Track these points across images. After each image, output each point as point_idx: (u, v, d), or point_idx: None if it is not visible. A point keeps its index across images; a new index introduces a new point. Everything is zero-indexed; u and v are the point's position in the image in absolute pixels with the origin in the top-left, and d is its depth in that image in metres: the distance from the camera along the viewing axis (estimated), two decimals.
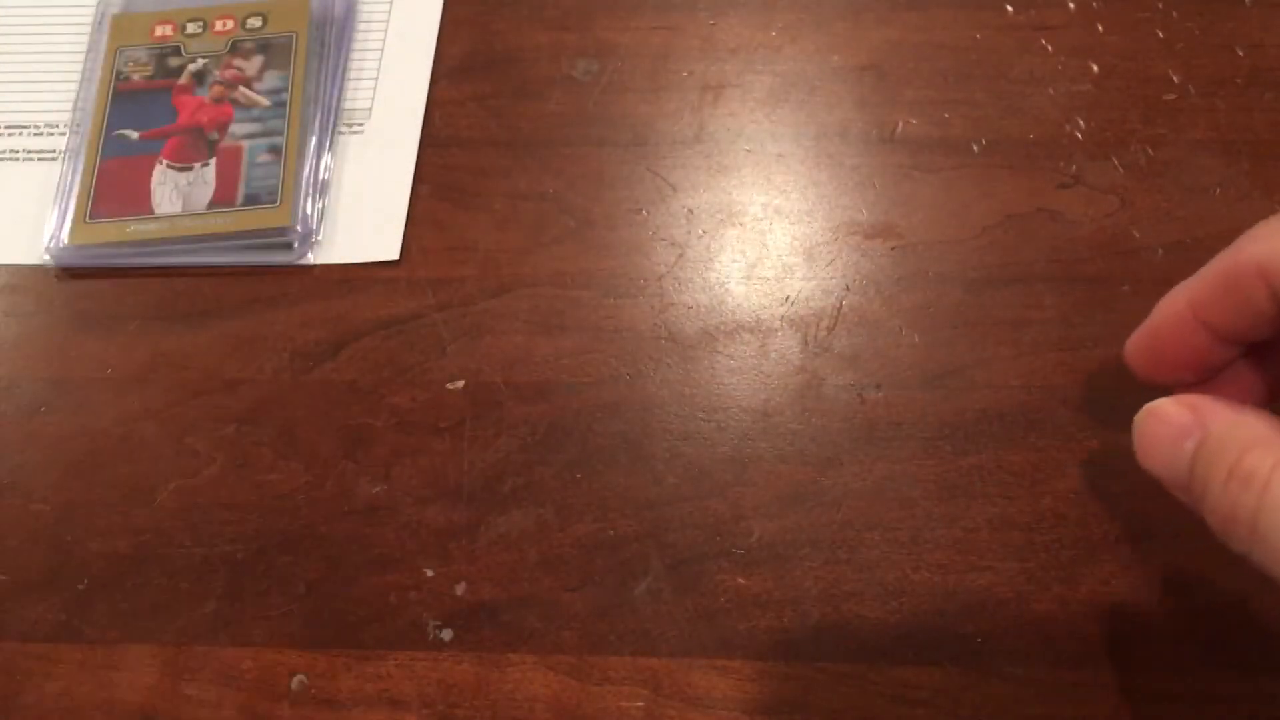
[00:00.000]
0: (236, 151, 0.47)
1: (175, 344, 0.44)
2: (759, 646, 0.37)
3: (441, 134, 0.48)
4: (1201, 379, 0.33)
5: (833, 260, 0.44)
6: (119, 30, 0.50)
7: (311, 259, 0.45)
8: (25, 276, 0.46)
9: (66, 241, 0.45)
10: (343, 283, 0.45)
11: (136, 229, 0.45)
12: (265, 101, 0.48)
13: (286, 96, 0.48)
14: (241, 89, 0.48)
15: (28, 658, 0.38)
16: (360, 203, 0.46)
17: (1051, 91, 0.47)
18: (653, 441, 0.41)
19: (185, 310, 0.45)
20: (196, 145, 0.47)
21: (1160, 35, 0.48)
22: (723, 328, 0.43)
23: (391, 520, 0.40)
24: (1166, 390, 0.32)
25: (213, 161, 0.47)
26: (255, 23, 0.50)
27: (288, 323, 0.44)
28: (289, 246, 0.45)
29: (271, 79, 0.48)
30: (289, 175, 0.46)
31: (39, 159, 0.48)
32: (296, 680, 0.37)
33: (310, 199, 0.46)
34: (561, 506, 0.40)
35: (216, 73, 0.49)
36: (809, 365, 0.42)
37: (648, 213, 0.46)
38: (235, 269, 0.45)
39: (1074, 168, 0.45)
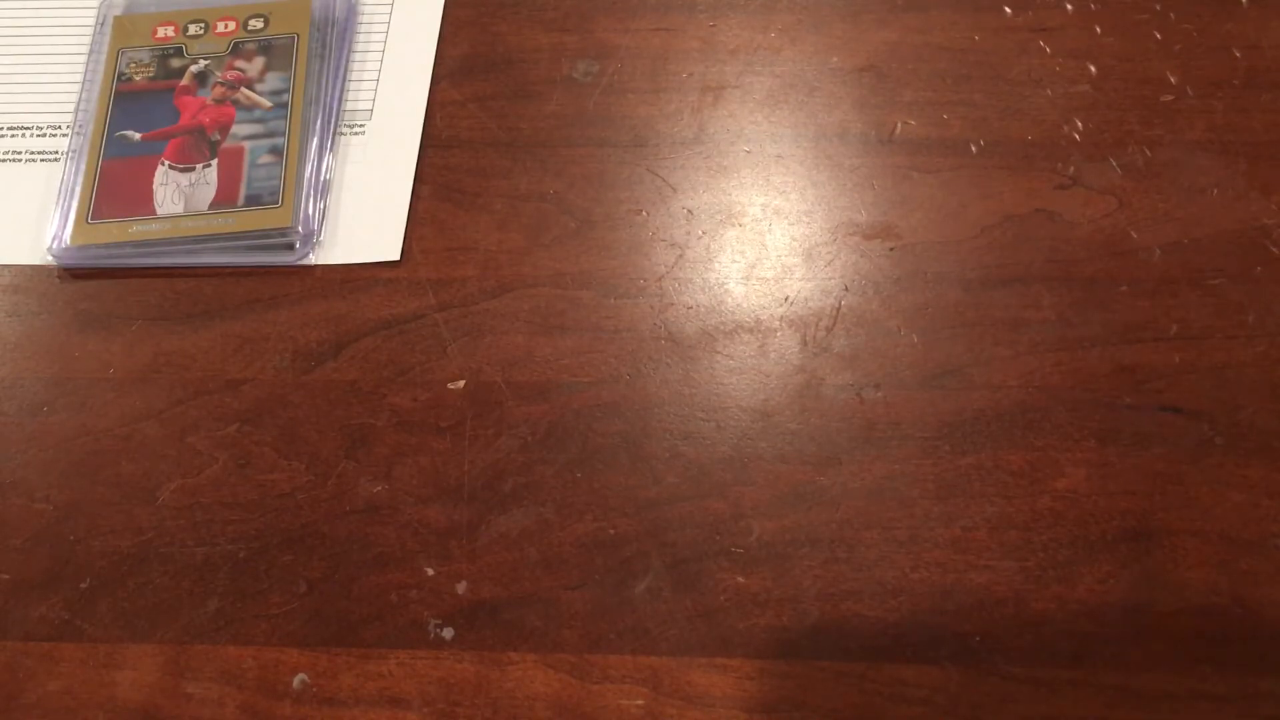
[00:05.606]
0: (238, 152, 0.47)
1: (177, 344, 0.44)
2: (758, 645, 0.37)
3: (442, 135, 0.48)
4: None
5: (832, 261, 0.44)
6: (121, 31, 0.50)
7: (313, 259, 0.45)
8: (28, 277, 0.46)
9: (69, 242, 0.45)
10: (344, 283, 0.45)
11: (138, 229, 0.45)
12: (267, 103, 0.48)
13: (288, 97, 0.48)
14: (243, 90, 0.48)
15: (30, 656, 0.38)
16: (361, 203, 0.47)
17: (1050, 93, 0.47)
18: (652, 441, 0.41)
19: (187, 310, 0.45)
20: (198, 146, 0.47)
21: (1158, 37, 0.48)
22: (722, 328, 0.43)
23: (392, 519, 0.40)
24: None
25: (214, 162, 0.47)
26: (257, 24, 0.50)
27: (289, 323, 0.44)
28: (290, 247, 0.45)
29: (273, 80, 0.48)
30: (290, 176, 0.46)
31: (41, 160, 0.48)
32: (298, 679, 0.38)
33: (312, 200, 0.46)
34: (562, 506, 0.40)
35: (218, 74, 0.49)
36: (808, 365, 0.42)
37: (648, 213, 0.46)
38: (237, 269, 0.45)
39: (1072, 169, 0.45)
